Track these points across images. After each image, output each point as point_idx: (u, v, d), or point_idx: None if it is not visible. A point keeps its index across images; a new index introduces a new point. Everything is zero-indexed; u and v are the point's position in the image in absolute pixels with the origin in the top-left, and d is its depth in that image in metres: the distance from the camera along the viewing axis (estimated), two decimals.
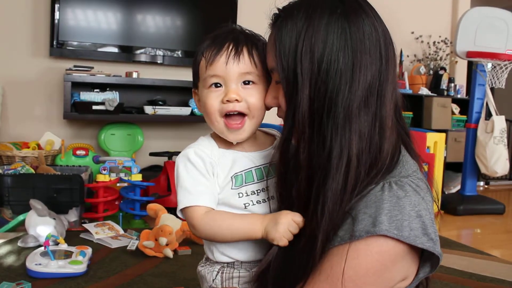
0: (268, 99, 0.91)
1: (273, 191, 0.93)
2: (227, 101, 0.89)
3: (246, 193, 0.93)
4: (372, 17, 0.79)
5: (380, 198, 0.75)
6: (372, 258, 0.73)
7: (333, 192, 0.76)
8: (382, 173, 0.78)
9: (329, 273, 0.75)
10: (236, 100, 0.89)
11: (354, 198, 0.77)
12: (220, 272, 0.96)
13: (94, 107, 3.07)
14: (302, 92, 0.78)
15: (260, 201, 0.93)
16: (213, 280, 0.96)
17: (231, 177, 0.93)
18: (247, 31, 0.95)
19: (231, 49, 0.90)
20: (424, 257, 0.79)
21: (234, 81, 0.90)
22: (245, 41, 0.91)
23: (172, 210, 2.73)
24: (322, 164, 0.77)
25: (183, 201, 0.90)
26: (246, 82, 0.91)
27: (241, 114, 0.91)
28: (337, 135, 0.76)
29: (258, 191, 0.94)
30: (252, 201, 0.93)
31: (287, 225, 0.84)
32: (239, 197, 0.93)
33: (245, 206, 0.93)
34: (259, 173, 0.95)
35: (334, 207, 0.76)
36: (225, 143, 0.95)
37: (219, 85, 0.91)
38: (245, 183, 0.93)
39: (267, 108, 0.94)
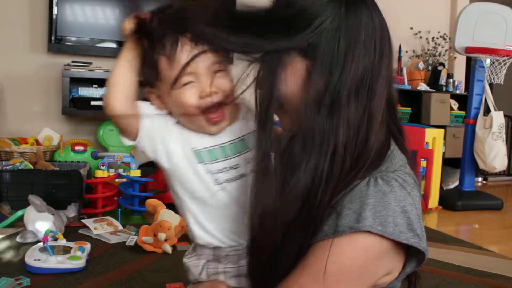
0: None
1: (244, 169, 0.90)
2: (205, 95, 0.86)
3: (213, 170, 0.89)
4: (371, 9, 0.78)
5: (365, 193, 0.74)
6: (356, 253, 0.73)
7: (318, 180, 0.75)
8: (368, 168, 0.77)
9: (312, 267, 0.75)
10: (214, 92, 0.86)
11: (340, 193, 0.76)
12: (206, 267, 0.95)
13: (93, 103, 3.07)
14: None
15: (229, 180, 0.89)
16: (199, 274, 0.96)
17: (194, 151, 0.89)
18: None
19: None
20: (411, 252, 0.79)
21: (206, 74, 0.86)
22: None
23: (170, 205, 2.73)
24: (308, 149, 0.75)
25: None
26: (216, 71, 0.87)
27: (219, 104, 0.87)
28: (325, 120, 0.75)
29: (226, 169, 0.89)
30: (221, 178, 0.89)
31: None
32: (210, 173, 0.89)
33: (216, 183, 0.89)
34: (223, 151, 0.90)
35: (318, 196, 0.75)
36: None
37: (191, 81, 0.87)
38: (210, 160, 0.89)
39: None
